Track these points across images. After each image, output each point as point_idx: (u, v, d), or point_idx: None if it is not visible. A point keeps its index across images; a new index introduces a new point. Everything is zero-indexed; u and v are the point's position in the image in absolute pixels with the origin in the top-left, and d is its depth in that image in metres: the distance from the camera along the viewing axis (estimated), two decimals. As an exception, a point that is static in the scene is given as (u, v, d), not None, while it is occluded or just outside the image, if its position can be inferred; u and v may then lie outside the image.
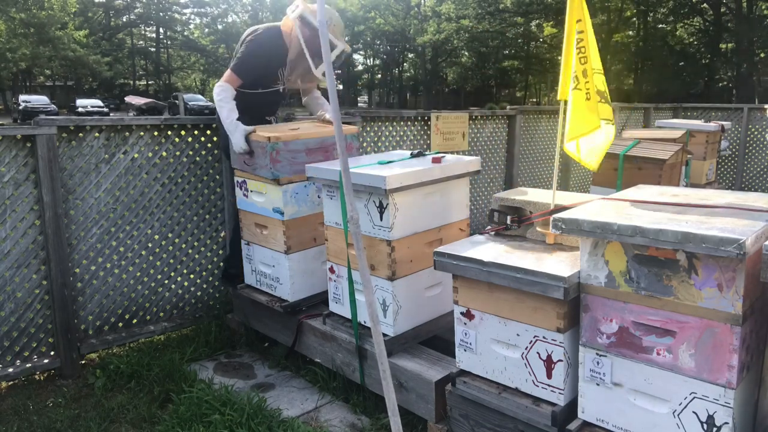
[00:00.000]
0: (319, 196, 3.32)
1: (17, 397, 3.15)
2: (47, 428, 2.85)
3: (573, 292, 2.01)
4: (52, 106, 32.01)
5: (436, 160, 2.89)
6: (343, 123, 3.91)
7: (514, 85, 48.22)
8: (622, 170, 4.52)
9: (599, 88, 2.39)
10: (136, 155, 3.65)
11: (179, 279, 3.92)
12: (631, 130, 5.83)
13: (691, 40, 34.16)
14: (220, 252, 4.10)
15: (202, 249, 4.01)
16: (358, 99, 61.46)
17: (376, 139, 4.98)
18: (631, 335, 1.92)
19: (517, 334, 2.21)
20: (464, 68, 46.02)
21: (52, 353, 3.42)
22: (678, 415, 1.86)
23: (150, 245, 3.77)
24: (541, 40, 39.92)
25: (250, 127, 3.32)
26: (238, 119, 3.36)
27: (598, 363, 2.01)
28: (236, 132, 3.31)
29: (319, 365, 3.22)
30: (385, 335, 2.76)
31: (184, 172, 3.87)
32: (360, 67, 61.89)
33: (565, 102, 2.39)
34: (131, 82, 54.48)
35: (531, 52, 41.14)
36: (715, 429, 1.79)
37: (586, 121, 2.33)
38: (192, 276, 3.98)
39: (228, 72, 3.51)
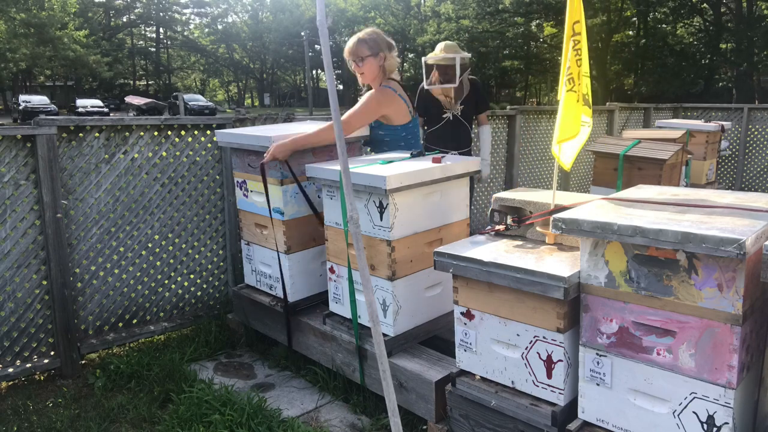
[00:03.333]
0: (319, 196, 3.33)
1: (17, 397, 3.15)
2: (47, 428, 2.85)
3: (573, 292, 2.01)
4: (52, 106, 32.05)
5: (436, 160, 2.89)
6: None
7: (514, 85, 48.21)
8: (622, 170, 4.52)
9: (584, 90, 2.40)
10: (136, 155, 3.66)
11: (179, 279, 3.93)
12: (631, 130, 5.83)
13: (691, 40, 34.14)
14: (220, 252, 4.10)
15: (202, 249, 4.01)
16: (359, 99, 61.37)
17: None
18: (631, 335, 1.92)
19: (517, 334, 2.21)
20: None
21: (52, 353, 3.42)
22: (678, 415, 1.86)
23: (150, 245, 3.77)
24: (541, 40, 39.91)
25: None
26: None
27: (598, 363, 2.01)
28: None
29: (319, 365, 3.22)
30: (385, 335, 2.76)
31: (184, 172, 3.87)
32: (360, 67, 61.82)
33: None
34: (131, 82, 54.53)
35: (531, 52, 41.13)
36: (715, 429, 1.79)
37: (574, 124, 2.35)
38: (192, 276, 3.98)
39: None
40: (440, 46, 4.31)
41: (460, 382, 2.40)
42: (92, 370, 3.40)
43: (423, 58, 4.29)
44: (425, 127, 4.47)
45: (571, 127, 2.35)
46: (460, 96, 4.34)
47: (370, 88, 3.48)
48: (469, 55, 4.29)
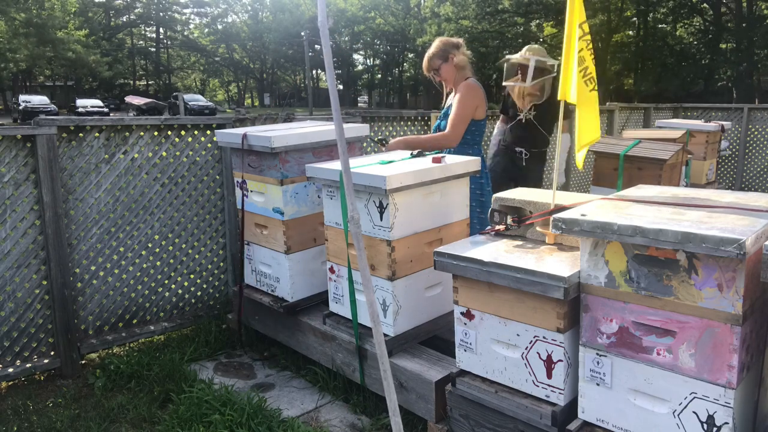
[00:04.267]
0: (319, 196, 3.33)
1: (17, 397, 3.15)
2: (47, 428, 2.85)
3: (573, 292, 2.01)
4: (52, 106, 32.05)
5: (436, 160, 2.90)
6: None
7: (513, 85, 48.16)
8: (622, 170, 4.52)
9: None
10: (136, 155, 3.66)
11: (179, 279, 3.93)
12: (631, 130, 5.83)
13: (691, 40, 34.14)
14: (220, 252, 4.10)
15: (202, 249, 4.01)
16: (358, 99, 61.47)
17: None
18: (631, 335, 1.92)
19: (517, 334, 2.21)
20: (464, 68, 45.95)
21: (52, 353, 3.42)
22: (678, 415, 1.86)
23: (150, 245, 3.77)
24: (541, 40, 39.88)
25: None
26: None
27: (598, 363, 2.01)
28: None
29: (319, 365, 3.22)
30: (385, 335, 2.76)
31: (184, 172, 3.87)
32: (360, 67, 61.95)
33: (566, 101, 2.40)
34: (131, 82, 54.53)
35: (531, 52, 41.08)
36: (715, 429, 1.79)
37: (596, 126, 2.35)
38: (192, 276, 3.98)
39: None
40: (525, 48, 4.34)
41: (460, 382, 2.40)
42: (92, 370, 3.40)
43: (507, 56, 4.37)
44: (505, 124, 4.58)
45: (595, 129, 2.35)
46: (537, 100, 4.27)
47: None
48: (554, 62, 4.18)
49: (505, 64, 4.34)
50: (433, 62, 3.66)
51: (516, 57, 4.26)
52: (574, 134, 4.28)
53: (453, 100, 3.61)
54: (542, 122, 4.32)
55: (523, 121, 4.29)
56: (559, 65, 4.12)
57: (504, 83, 4.34)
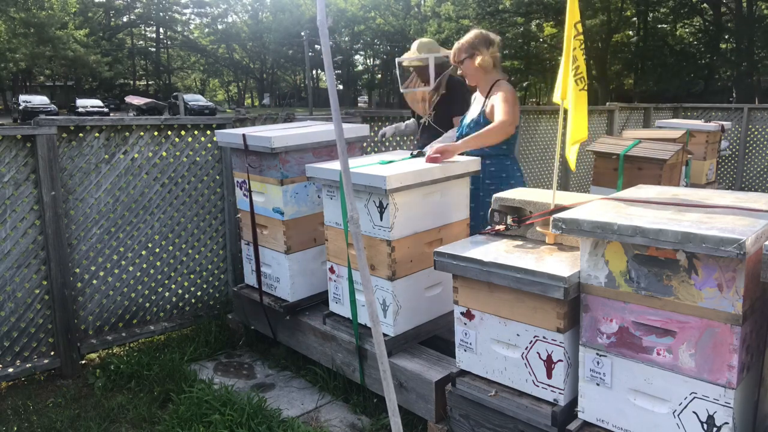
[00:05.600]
0: (319, 196, 3.33)
1: (17, 397, 3.15)
2: (47, 428, 2.85)
3: (573, 292, 2.01)
4: (52, 106, 32.02)
5: (435, 160, 2.89)
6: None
7: (514, 85, 48.16)
8: (622, 170, 4.52)
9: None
10: (136, 155, 3.66)
11: (179, 279, 3.93)
12: (631, 130, 5.83)
13: (691, 40, 34.11)
14: (220, 252, 4.10)
15: (202, 249, 4.01)
16: (358, 99, 61.44)
17: (376, 139, 4.97)
18: (631, 335, 1.92)
19: (517, 334, 2.21)
20: (464, 68, 46.00)
21: (52, 353, 3.42)
22: (678, 415, 1.86)
23: (150, 245, 3.77)
24: (541, 40, 39.86)
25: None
26: None
27: (598, 363, 2.01)
28: None
29: (319, 365, 3.22)
30: (385, 335, 2.76)
31: (184, 172, 3.87)
32: (360, 67, 61.95)
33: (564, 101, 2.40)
34: (131, 82, 54.50)
35: (531, 52, 41.06)
36: (715, 429, 1.79)
37: (584, 125, 2.34)
38: (192, 276, 3.98)
39: None
40: (414, 44, 3.88)
41: (460, 382, 2.40)
42: (92, 370, 3.40)
43: (397, 60, 3.92)
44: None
45: (583, 128, 2.34)
46: (435, 100, 3.85)
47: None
48: (447, 53, 3.66)
49: (397, 68, 3.93)
50: (458, 54, 3.36)
51: (408, 58, 3.84)
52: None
53: (491, 100, 3.26)
54: (442, 122, 3.83)
55: (427, 124, 3.91)
56: (447, 57, 3.71)
57: (403, 90, 3.94)
